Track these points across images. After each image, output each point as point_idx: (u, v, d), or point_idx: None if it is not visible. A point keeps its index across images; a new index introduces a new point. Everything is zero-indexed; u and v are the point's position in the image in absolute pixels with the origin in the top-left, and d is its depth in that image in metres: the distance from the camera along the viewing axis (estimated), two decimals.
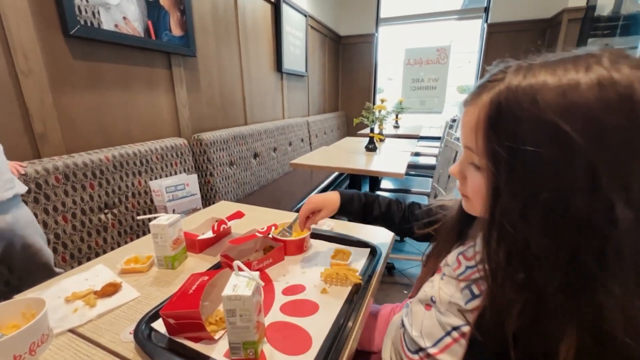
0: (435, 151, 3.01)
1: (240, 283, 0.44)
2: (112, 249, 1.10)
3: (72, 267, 0.90)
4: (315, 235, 0.82)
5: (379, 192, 0.80)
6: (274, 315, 0.55)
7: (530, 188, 0.28)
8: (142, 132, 1.38)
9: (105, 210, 1.14)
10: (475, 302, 0.40)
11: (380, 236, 0.82)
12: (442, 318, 0.46)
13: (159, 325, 0.51)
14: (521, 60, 0.31)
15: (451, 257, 0.49)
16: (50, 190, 0.96)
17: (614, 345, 0.26)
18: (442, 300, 0.47)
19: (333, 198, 0.70)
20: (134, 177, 1.23)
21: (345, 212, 0.71)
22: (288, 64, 2.60)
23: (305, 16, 2.85)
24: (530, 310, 0.30)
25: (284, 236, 0.75)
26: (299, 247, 0.75)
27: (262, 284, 0.45)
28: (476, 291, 0.41)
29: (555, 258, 0.28)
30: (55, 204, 0.97)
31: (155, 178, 1.31)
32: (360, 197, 0.71)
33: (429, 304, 0.50)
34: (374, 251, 0.74)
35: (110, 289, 0.61)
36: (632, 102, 0.25)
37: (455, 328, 0.44)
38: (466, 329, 0.42)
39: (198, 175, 1.56)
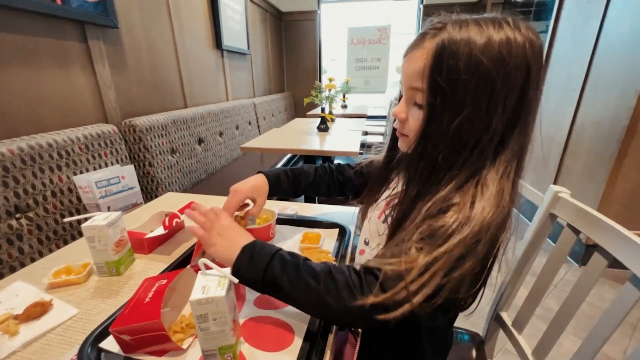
0: (382, 130, 3.12)
1: (209, 283, 0.39)
2: (33, 260, 0.92)
3: None
4: (280, 221, 0.77)
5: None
6: (248, 311, 0.50)
7: (456, 108, 0.39)
8: (57, 119, 1.15)
9: (17, 215, 0.93)
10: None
11: (347, 214, 0.81)
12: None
13: (109, 344, 0.43)
14: (454, 17, 0.41)
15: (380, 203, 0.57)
16: None
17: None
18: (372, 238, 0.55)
19: (261, 182, 0.65)
20: (51, 173, 1.03)
21: (275, 192, 0.67)
22: (228, 40, 2.40)
23: None
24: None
25: (248, 225, 0.69)
26: (265, 235, 0.70)
27: (236, 280, 0.40)
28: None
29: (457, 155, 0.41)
30: None
31: (81, 172, 1.12)
32: (287, 173, 0.69)
33: (362, 248, 0.58)
34: (342, 231, 0.72)
35: (37, 310, 0.49)
36: (524, 50, 0.38)
37: None
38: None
39: (135, 166, 1.38)
